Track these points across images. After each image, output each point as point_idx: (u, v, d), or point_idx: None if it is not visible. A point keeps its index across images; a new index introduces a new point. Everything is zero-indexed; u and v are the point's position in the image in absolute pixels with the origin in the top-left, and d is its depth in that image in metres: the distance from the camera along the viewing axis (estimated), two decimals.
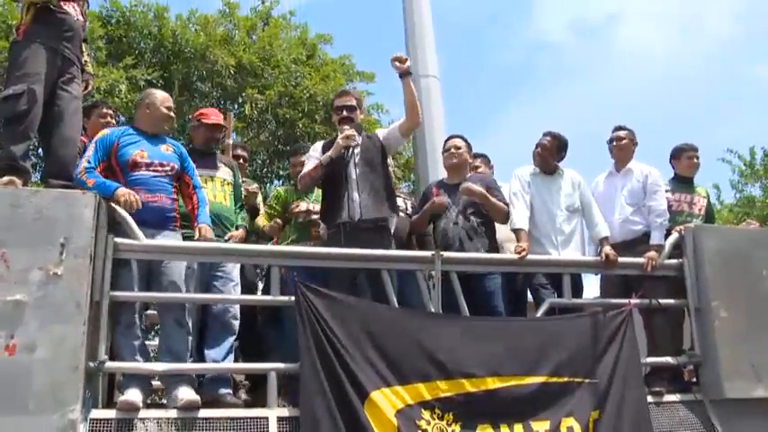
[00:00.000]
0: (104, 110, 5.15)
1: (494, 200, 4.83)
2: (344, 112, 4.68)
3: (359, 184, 4.42)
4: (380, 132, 4.81)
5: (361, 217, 4.32)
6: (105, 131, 4.30)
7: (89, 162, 4.04)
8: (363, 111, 5.33)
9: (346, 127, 4.50)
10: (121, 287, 3.82)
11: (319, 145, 4.80)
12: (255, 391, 4.51)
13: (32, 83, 4.04)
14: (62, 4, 4.29)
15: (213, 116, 5.01)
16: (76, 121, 4.32)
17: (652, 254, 4.83)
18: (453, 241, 4.69)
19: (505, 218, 4.91)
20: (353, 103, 4.77)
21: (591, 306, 4.73)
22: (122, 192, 3.89)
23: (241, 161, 5.52)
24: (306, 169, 4.61)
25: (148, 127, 4.34)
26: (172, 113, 4.45)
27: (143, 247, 3.86)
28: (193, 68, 11.22)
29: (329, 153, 4.48)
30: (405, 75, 4.44)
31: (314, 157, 4.66)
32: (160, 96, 4.45)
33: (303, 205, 5.01)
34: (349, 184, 4.33)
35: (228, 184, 4.90)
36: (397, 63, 4.41)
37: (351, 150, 4.38)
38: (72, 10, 4.35)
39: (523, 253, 4.59)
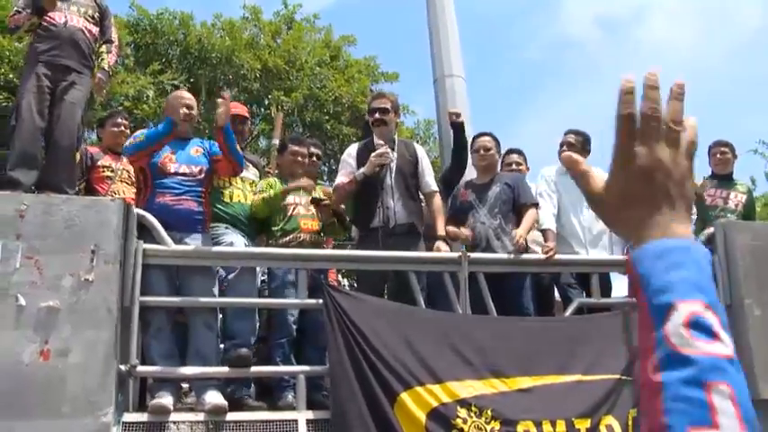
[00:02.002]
0: (119, 119, 5.24)
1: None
2: (377, 115, 4.70)
3: (393, 190, 4.43)
4: (420, 152, 4.80)
5: (396, 222, 4.34)
6: (145, 131, 4.42)
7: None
8: (399, 114, 5.29)
9: (381, 142, 4.49)
10: (151, 291, 3.87)
11: (354, 150, 4.78)
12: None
13: (20, 98, 4.31)
14: (50, 17, 4.47)
15: (234, 108, 4.81)
16: (71, 125, 4.39)
17: None
18: (481, 240, 4.67)
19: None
20: (388, 105, 4.78)
21: (620, 305, 4.68)
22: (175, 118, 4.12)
23: (314, 159, 5.22)
24: (340, 180, 4.62)
25: None
26: (188, 110, 4.39)
27: (171, 253, 3.91)
28: (219, 73, 11.33)
29: (363, 170, 4.49)
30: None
31: (348, 163, 4.67)
32: (177, 95, 4.53)
33: (290, 199, 4.77)
34: (383, 189, 4.35)
35: (255, 185, 4.87)
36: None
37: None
38: (60, 19, 4.49)
39: (551, 253, 4.57)
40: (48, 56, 4.42)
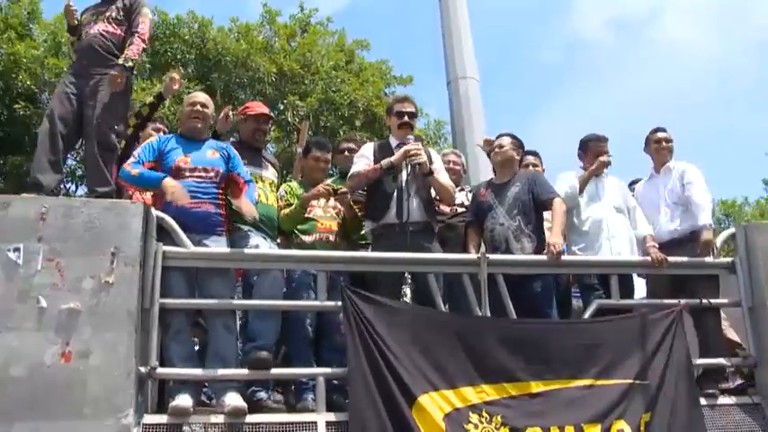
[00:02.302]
0: (158, 124, 5.31)
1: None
2: (406, 118, 4.71)
3: (408, 186, 4.43)
4: (434, 156, 4.80)
5: (409, 219, 4.33)
6: (152, 139, 4.41)
7: (136, 158, 4.15)
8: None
9: (419, 146, 4.49)
10: (171, 293, 3.88)
11: (370, 148, 4.76)
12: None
13: (47, 115, 4.57)
14: (87, 31, 4.75)
15: (258, 107, 4.95)
16: (99, 125, 4.48)
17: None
18: (500, 242, 4.63)
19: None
20: (413, 110, 4.80)
21: (640, 307, 4.63)
22: (169, 184, 3.96)
23: (346, 153, 5.21)
24: (360, 168, 4.58)
25: (184, 129, 4.42)
26: (198, 108, 4.39)
27: (191, 255, 3.92)
28: (234, 76, 11.35)
29: (392, 159, 4.47)
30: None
31: (366, 157, 4.65)
32: (186, 99, 4.56)
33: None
34: (398, 184, 4.36)
35: (275, 185, 4.86)
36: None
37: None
38: (89, 32, 4.74)
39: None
40: (72, 68, 4.77)
